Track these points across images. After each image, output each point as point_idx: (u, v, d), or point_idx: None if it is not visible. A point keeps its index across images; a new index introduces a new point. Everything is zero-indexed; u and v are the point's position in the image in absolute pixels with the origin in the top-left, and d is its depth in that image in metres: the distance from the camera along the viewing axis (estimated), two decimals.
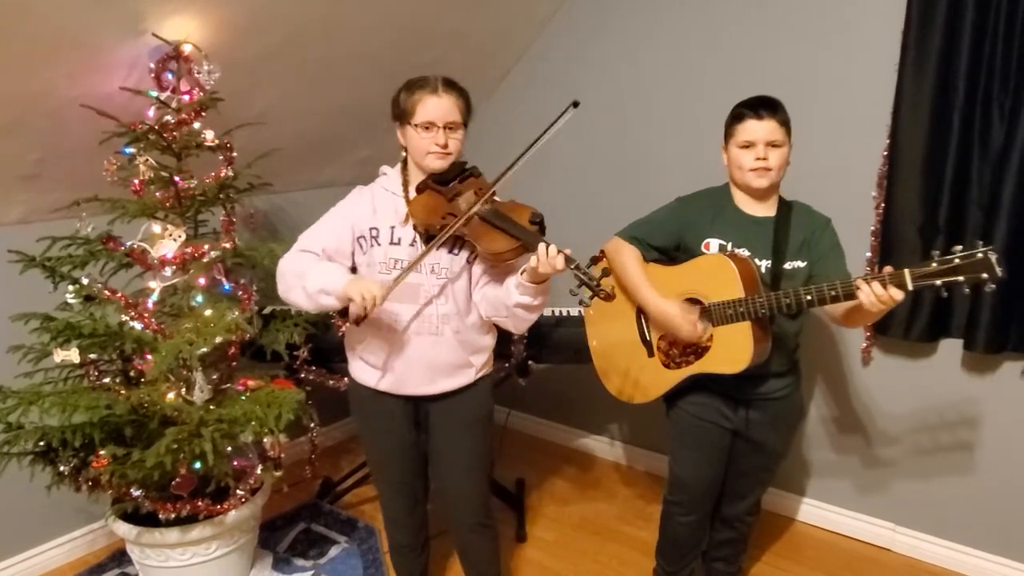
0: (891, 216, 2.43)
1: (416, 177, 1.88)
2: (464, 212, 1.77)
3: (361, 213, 1.88)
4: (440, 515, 2.18)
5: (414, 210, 1.83)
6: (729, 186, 2.04)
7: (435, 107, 1.79)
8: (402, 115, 1.84)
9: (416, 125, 1.81)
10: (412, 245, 1.84)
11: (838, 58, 2.54)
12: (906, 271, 1.65)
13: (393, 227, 1.86)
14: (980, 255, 1.59)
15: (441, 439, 2.00)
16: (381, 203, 1.89)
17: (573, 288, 1.68)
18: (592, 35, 3.09)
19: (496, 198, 1.85)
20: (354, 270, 1.91)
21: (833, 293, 1.75)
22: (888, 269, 1.68)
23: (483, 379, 2.00)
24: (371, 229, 1.86)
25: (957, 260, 1.61)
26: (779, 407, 2.06)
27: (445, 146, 1.81)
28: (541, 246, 1.65)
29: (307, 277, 1.79)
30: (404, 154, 1.91)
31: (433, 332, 1.87)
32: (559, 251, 1.63)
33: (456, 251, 1.86)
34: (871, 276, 1.69)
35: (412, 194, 1.87)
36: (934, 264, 1.63)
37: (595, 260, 1.65)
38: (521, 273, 1.73)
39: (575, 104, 1.72)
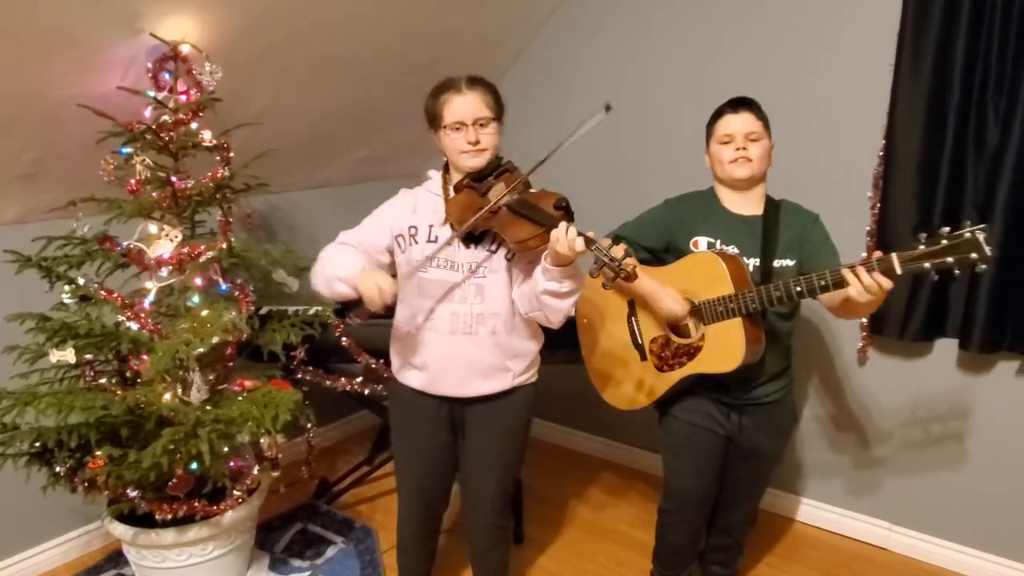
0: (887, 216, 2.44)
1: (457, 179, 1.88)
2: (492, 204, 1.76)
3: (401, 212, 1.91)
4: (452, 513, 2.17)
5: (450, 209, 1.84)
6: (714, 188, 2.05)
7: (461, 106, 1.80)
8: (433, 120, 1.86)
9: (446, 127, 1.82)
10: (448, 244, 1.84)
11: (834, 58, 2.54)
12: (894, 255, 1.64)
13: (431, 226, 1.87)
14: (968, 235, 1.57)
15: (474, 442, 1.99)
16: (422, 203, 1.91)
17: (593, 269, 1.62)
18: (589, 36, 3.10)
19: (532, 188, 1.83)
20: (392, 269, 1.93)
21: (823, 283, 1.74)
22: (876, 254, 1.67)
23: (523, 388, 1.97)
24: (410, 228, 1.89)
25: (945, 241, 1.58)
26: (772, 412, 2.05)
27: (477, 142, 1.81)
28: (561, 226, 1.62)
29: (328, 265, 1.84)
30: (444, 159, 1.92)
31: (467, 331, 1.86)
32: (579, 232, 1.61)
33: (493, 248, 1.85)
34: (859, 263, 1.68)
35: (451, 195, 1.88)
36: (922, 247, 1.61)
37: (615, 239, 1.61)
38: (545, 258, 1.70)
39: (607, 108, 1.68)
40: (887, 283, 1.64)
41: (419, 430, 2.01)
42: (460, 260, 1.85)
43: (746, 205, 2.00)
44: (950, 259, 1.58)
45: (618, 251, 1.59)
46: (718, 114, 1.99)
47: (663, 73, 2.94)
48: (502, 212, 1.77)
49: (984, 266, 1.58)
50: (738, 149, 1.93)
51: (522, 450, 2.07)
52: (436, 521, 2.16)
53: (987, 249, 1.56)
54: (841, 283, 1.70)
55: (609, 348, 2.18)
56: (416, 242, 1.88)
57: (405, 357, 1.97)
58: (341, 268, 1.81)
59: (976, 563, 2.56)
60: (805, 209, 2.01)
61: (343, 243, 1.92)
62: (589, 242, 1.61)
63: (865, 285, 1.65)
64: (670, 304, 1.97)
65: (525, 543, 2.79)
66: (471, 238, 1.84)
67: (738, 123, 1.94)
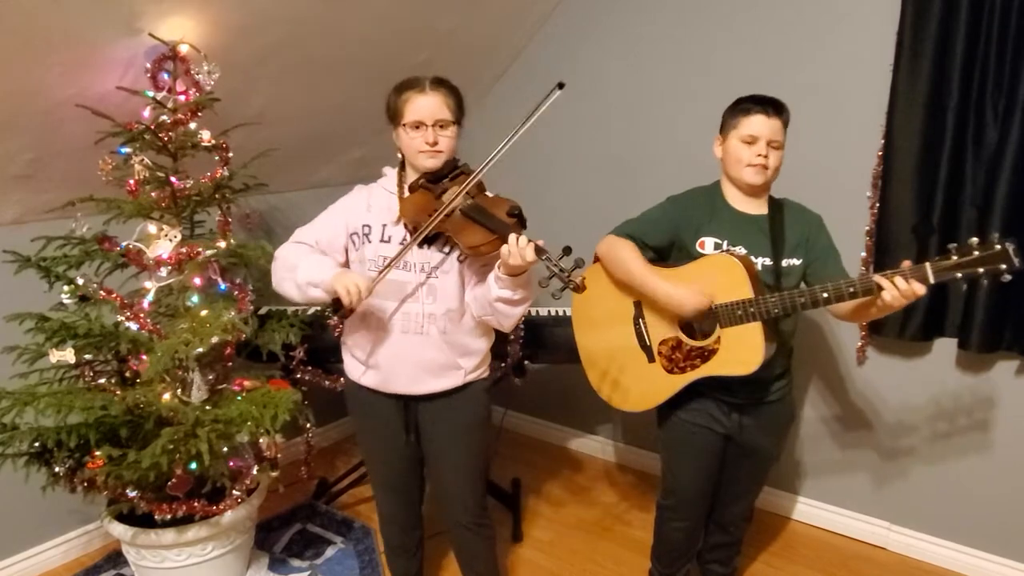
0: (886, 215, 2.44)
1: (412, 177, 1.89)
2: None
3: (356, 210, 1.91)
4: (437, 516, 2.18)
5: (404, 208, 1.84)
6: (720, 184, 2.03)
7: (423, 105, 1.81)
8: (393, 116, 1.86)
9: (406, 125, 1.82)
10: (401, 243, 1.85)
11: (833, 57, 2.54)
12: (927, 265, 1.69)
13: (385, 225, 1.88)
14: (999, 247, 1.63)
15: (433, 441, 2.00)
16: (377, 201, 1.91)
17: (543, 279, 1.63)
18: (587, 36, 3.10)
19: (487, 193, 1.85)
20: (347, 267, 1.92)
21: (852, 290, 1.75)
22: (907, 264, 1.71)
23: (476, 383, 1.98)
24: (364, 226, 1.88)
25: (976, 252, 1.65)
26: (772, 411, 2.05)
27: (435, 144, 1.82)
28: (512, 236, 1.63)
29: (297, 269, 1.82)
30: (400, 156, 1.92)
31: (418, 331, 1.87)
32: (529, 241, 1.62)
33: (446, 250, 1.86)
34: (892, 272, 1.71)
35: (406, 194, 1.88)
36: (954, 257, 1.67)
37: (566, 250, 1.63)
38: (498, 267, 1.72)
39: (560, 85, 1.69)
40: (921, 289, 1.70)
41: (378, 429, 2.02)
42: (413, 261, 1.85)
43: (751, 204, 1.99)
44: (981, 270, 1.65)
45: (567, 262, 1.59)
46: (747, 110, 1.91)
47: (660, 74, 2.94)
48: (455, 216, 1.78)
49: (1010, 276, 1.64)
50: (759, 156, 1.89)
51: (484, 446, 2.07)
52: (414, 516, 2.17)
53: (1016, 260, 1.62)
54: (871, 291, 1.73)
55: (613, 350, 2.13)
56: (369, 241, 1.87)
57: (357, 356, 1.97)
58: (314, 273, 1.79)
59: (975, 563, 2.57)
60: (808, 209, 2.01)
61: (300, 242, 1.90)
62: (539, 251, 1.62)
63: (902, 291, 1.70)
64: (692, 302, 1.89)
65: (524, 542, 2.79)
66: (424, 239, 1.84)
67: (767, 128, 1.89)
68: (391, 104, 1.86)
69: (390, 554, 2.23)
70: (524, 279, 1.72)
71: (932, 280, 1.69)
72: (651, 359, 2.07)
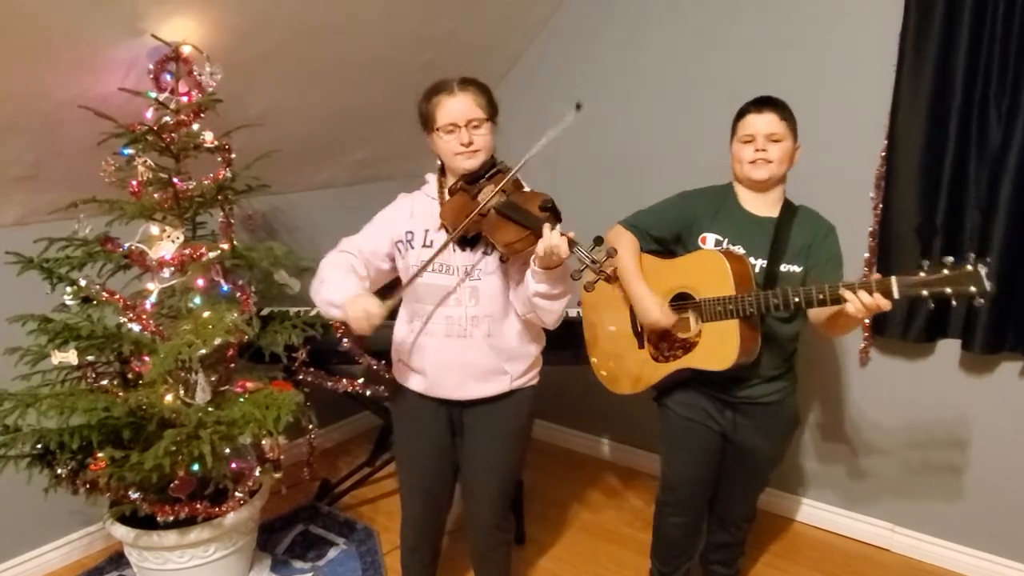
0: (889, 217, 2.44)
1: (452, 181, 1.89)
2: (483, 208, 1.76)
3: (399, 218, 1.92)
4: (455, 515, 2.17)
5: (444, 212, 1.84)
6: (732, 184, 2.05)
7: (453, 107, 1.81)
8: (426, 123, 1.87)
9: (439, 129, 1.82)
10: (442, 250, 1.84)
11: (836, 59, 2.54)
12: (893, 279, 1.64)
13: (427, 230, 1.88)
14: (970, 268, 1.56)
15: (474, 445, 2.00)
16: (420, 208, 1.91)
17: (575, 272, 1.64)
18: (589, 37, 3.09)
19: (525, 189, 1.84)
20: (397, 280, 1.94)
21: (821, 296, 1.74)
22: (876, 276, 1.68)
23: (521, 391, 1.97)
24: (407, 233, 1.89)
25: (946, 271, 1.59)
26: (768, 413, 2.05)
27: (470, 144, 1.81)
28: (545, 228, 1.63)
29: (324, 285, 1.83)
30: (439, 162, 1.92)
31: (462, 335, 1.87)
32: (562, 233, 1.62)
33: (488, 251, 1.85)
34: (858, 283, 1.68)
35: (447, 198, 1.88)
36: (922, 274, 1.61)
37: (597, 241, 1.65)
38: (533, 261, 1.71)
39: (578, 107, 1.71)
40: (885, 303, 1.65)
41: (420, 432, 2.02)
42: (455, 263, 1.85)
43: (763, 206, 1.99)
44: (948, 290, 1.59)
45: (599, 253, 1.59)
46: (742, 112, 1.97)
47: (662, 75, 2.94)
48: (491, 215, 1.77)
49: (982, 300, 1.58)
50: (757, 151, 1.92)
51: (523, 452, 2.08)
52: (440, 522, 2.17)
53: (987, 284, 1.56)
54: (839, 299, 1.71)
55: (611, 333, 2.20)
56: (412, 247, 1.88)
57: (405, 361, 1.97)
58: (335, 293, 1.80)
59: (978, 563, 2.56)
60: (822, 218, 2.00)
61: (343, 251, 1.91)
62: (571, 244, 1.62)
63: (864, 304, 1.66)
64: (654, 315, 1.99)
65: (526, 544, 2.79)
66: (466, 241, 1.84)
67: (760, 123, 1.92)
68: (422, 111, 1.86)
69: (407, 556, 2.21)
70: (561, 272, 1.71)
71: (896, 295, 1.64)
72: (641, 345, 2.12)
